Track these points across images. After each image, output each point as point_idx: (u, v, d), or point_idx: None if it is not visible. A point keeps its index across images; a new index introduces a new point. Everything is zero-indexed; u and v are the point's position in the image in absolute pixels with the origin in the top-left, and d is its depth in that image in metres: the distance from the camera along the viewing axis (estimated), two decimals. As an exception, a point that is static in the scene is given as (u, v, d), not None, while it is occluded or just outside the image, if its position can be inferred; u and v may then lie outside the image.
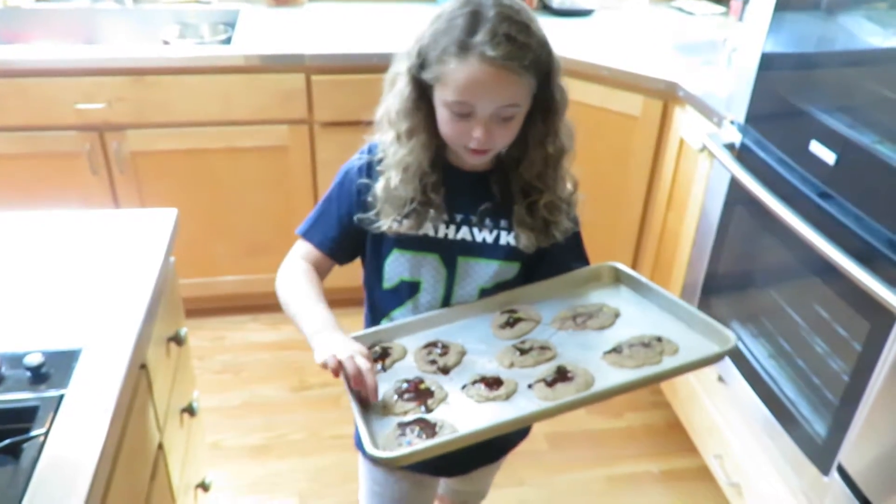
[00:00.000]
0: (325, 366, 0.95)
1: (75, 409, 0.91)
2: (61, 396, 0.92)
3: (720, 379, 1.83)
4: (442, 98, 1.01)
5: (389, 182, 1.07)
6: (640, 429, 2.22)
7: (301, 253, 1.15)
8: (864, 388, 1.31)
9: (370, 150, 1.13)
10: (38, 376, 0.94)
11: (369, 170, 1.11)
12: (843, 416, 1.37)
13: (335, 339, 1.00)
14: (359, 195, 1.11)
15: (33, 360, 0.94)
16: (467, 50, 0.95)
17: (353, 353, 0.95)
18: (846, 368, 1.39)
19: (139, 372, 1.08)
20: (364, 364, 0.94)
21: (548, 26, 1.04)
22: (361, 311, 1.25)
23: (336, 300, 1.16)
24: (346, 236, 1.14)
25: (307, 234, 1.16)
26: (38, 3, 2.45)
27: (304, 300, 1.09)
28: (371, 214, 1.10)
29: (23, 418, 0.89)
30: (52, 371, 0.95)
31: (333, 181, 1.16)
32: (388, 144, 1.08)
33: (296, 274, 1.13)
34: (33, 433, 0.86)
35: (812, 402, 1.51)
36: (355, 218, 1.11)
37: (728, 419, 1.83)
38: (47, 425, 0.88)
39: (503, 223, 1.14)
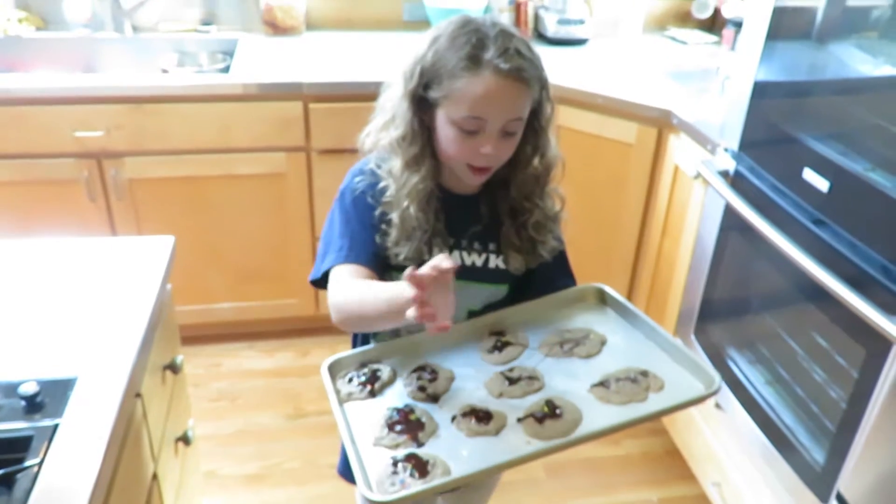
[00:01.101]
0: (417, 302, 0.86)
1: (70, 439, 0.90)
2: (56, 426, 0.92)
3: (718, 406, 1.82)
4: (450, 116, 1.01)
5: (408, 212, 1.06)
6: (639, 456, 2.20)
7: (349, 276, 1.06)
8: (862, 415, 1.30)
9: (362, 173, 1.12)
10: (33, 405, 0.94)
11: (380, 195, 1.09)
12: (841, 443, 1.36)
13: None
14: (376, 219, 1.09)
15: (28, 389, 0.94)
16: (480, 64, 0.97)
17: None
18: (843, 395, 1.39)
19: (134, 400, 1.08)
20: (442, 263, 0.86)
21: (543, 55, 1.06)
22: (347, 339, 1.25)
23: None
24: (379, 252, 1.10)
25: (350, 258, 1.07)
26: (38, 32, 2.47)
27: (371, 291, 1.00)
28: (388, 243, 1.08)
29: (17, 448, 0.88)
30: (46, 400, 0.95)
31: (340, 205, 1.12)
32: (398, 173, 1.07)
33: (355, 284, 1.04)
34: (27, 463, 0.86)
35: (810, 429, 1.50)
36: (377, 238, 1.10)
37: (726, 446, 1.82)
38: (41, 455, 0.87)
39: (491, 246, 1.15)
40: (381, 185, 1.09)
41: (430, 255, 1.11)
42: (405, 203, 1.06)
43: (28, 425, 0.91)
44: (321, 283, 1.10)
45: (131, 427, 1.05)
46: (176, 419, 1.37)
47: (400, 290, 0.91)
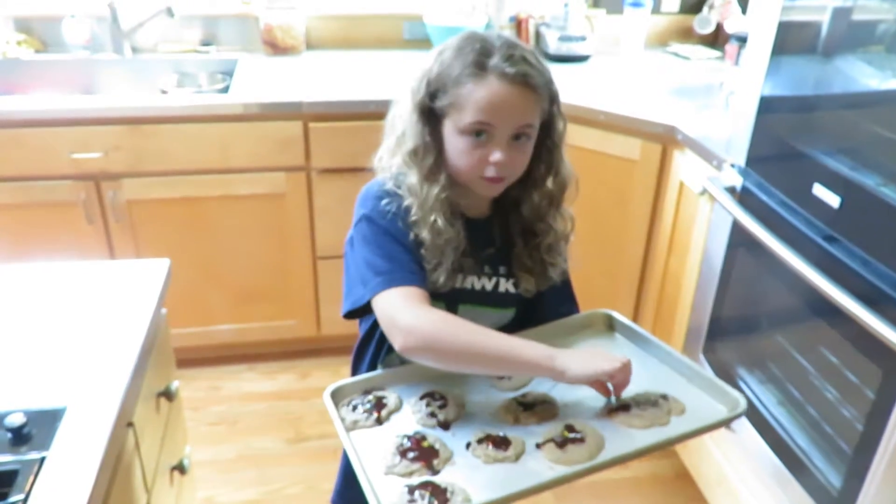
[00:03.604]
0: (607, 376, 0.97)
1: (57, 472, 0.86)
2: (42, 459, 0.88)
3: (728, 427, 1.78)
4: (457, 124, 1.00)
5: (437, 225, 1.02)
6: (647, 479, 2.15)
7: (418, 299, 1.00)
8: (880, 437, 1.26)
9: (387, 195, 1.06)
10: (20, 437, 0.90)
11: (405, 215, 1.04)
12: (858, 466, 1.32)
13: (582, 357, 0.98)
14: (411, 243, 1.04)
15: (15, 420, 0.90)
16: (485, 70, 0.97)
17: (618, 364, 0.97)
18: (859, 416, 1.35)
19: (126, 430, 1.04)
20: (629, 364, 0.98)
21: None
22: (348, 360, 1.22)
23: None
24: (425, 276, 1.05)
25: (409, 281, 1.01)
26: (37, 54, 2.47)
27: (499, 338, 0.98)
28: (429, 269, 1.04)
29: (1, 482, 0.84)
30: (34, 431, 0.91)
31: (374, 229, 1.05)
32: (417, 188, 1.03)
33: (454, 318, 1.00)
34: (11, 499, 0.82)
35: (825, 452, 1.46)
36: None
37: (738, 469, 1.77)
38: (26, 490, 0.83)
39: (502, 269, 1.13)
40: (406, 203, 1.05)
41: (459, 280, 1.08)
42: (432, 217, 1.03)
43: (13, 458, 0.87)
44: (360, 312, 1.04)
45: (122, 458, 1.01)
46: (171, 448, 1.33)
47: (543, 358, 0.96)
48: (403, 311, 0.98)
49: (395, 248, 1.04)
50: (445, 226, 1.03)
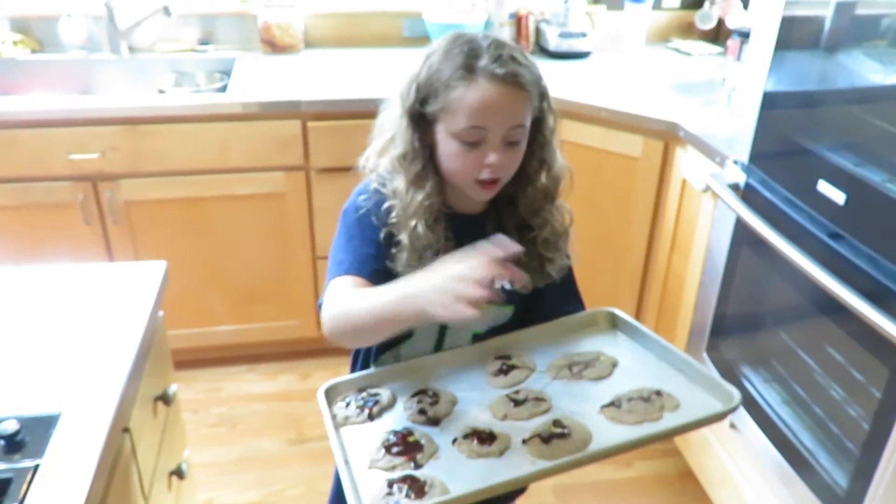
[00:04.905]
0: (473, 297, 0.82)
1: (51, 480, 0.85)
2: (36, 466, 0.87)
3: (733, 426, 1.77)
4: (450, 129, 0.99)
5: (416, 231, 1.03)
6: (651, 479, 2.14)
7: (349, 287, 1.01)
8: (888, 437, 1.24)
9: (366, 191, 1.08)
10: (13, 445, 0.89)
11: (385, 216, 1.05)
12: (865, 466, 1.31)
13: (435, 285, 0.86)
14: (381, 239, 1.05)
15: (8, 427, 0.89)
16: (474, 72, 0.96)
17: (476, 263, 0.85)
18: (865, 415, 1.34)
19: (122, 436, 1.02)
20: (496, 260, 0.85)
21: (545, 69, 1.04)
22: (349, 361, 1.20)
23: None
24: (381, 270, 1.05)
25: (353, 270, 1.02)
26: (33, 54, 2.45)
27: (374, 299, 0.94)
28: (399, 267, 1.04)
29: (-6, 492, 0.83)
30: (27, 439, 0.90)
31: (343, 222, 1.08)
32: (402, 192, 1.04)
33: (353, 294, 0.98)
34: (3, 508, 0.81)
35: (830, 451, 1.45)
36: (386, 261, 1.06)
37: (742, 469, 1.76)
38: (20, 498, 0.82)
39: None
40: (387, 204, 1.05)
41: None
42: (412, 222, 1.03)
43: (6, 467, 0.86)
44: None
45: (118, 465, 0.99)
46: (169, 452, 1.32)
47: (403, 291, 0.89)
48: (330, 300, 0.99)
49: (359, 241, 1.05)
50: (425, 231, 1.03)
